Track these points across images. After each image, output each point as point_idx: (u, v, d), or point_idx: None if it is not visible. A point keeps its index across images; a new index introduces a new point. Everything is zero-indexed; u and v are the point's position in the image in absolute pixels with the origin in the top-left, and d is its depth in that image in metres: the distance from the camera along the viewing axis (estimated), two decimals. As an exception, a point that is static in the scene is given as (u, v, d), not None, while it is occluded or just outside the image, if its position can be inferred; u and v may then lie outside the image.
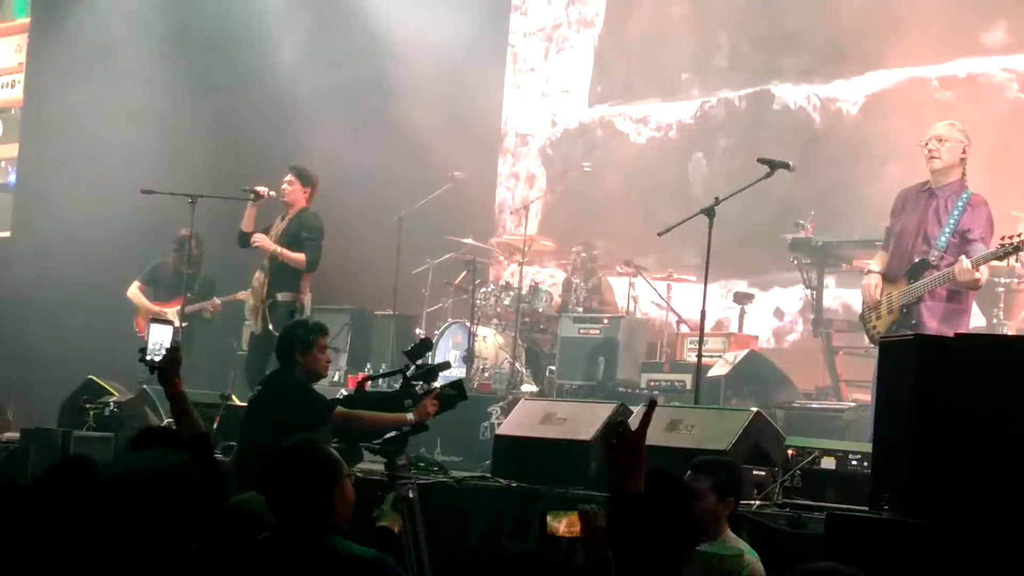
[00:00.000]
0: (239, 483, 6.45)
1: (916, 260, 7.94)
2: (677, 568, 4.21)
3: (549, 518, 4.57)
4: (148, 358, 5.32)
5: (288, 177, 10.39)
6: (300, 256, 10.16)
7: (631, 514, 3.62)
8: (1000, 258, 7.57)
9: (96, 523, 2.59)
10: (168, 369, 5.20)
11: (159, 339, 5.44)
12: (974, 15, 12.15)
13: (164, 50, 13.12)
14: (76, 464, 4.47)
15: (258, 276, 10.35)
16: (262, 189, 10.40)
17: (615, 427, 3.65)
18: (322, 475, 4.16)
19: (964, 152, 8.01)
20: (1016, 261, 7.55)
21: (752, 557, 5.38)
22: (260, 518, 4.55)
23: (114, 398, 10.02)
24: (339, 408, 7.27)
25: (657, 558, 3.85)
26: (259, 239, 10.22)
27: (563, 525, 4.49)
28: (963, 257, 7.60)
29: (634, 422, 3.71)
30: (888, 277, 8.13)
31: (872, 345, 8.25)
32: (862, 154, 12.35)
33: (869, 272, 8.26)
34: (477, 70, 14.23)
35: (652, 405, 3.77)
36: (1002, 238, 7.58)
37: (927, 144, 8.05)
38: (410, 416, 7.10)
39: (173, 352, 5.27)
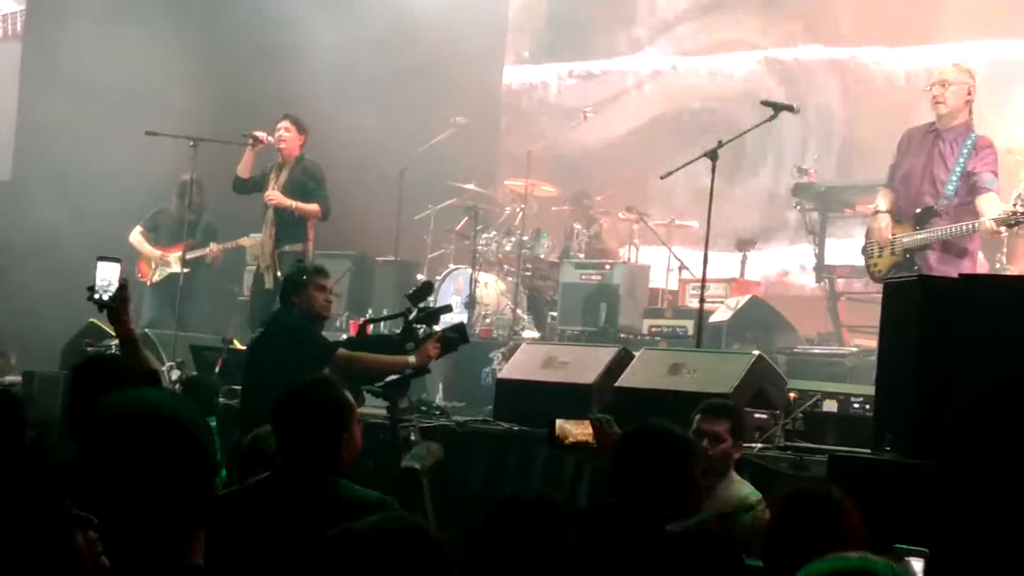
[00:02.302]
0: (244, 425, 6.47)
1: (924, 204, 7.87)
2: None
3: (560, 422, 4.58)
4: (96, 296, 5.14)
5: (285, 124, 10.26)
6: (315, 207, 10.15)
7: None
8: (1011, 226, 7.54)
9: (113, 458, 2.47)
10: (117, 308, 5.10)
11: (107, 277, 5.18)
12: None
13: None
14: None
15: (265, 230, 10.31)
16: (261, 134, 10.33)
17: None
18: (334, 416, 4.11)
19: (969, 94, 7.93)
20: (1019, 204, 7.50)
21: (756, 499, 5.39)
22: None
23: (116, 341, 9.98)
24: (341, 350, 7.27)
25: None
26: (273, 197, 10.15)
27: (576, 429, 4.53)
28: (986, 219, 7.52)
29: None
30: (895, 217, 8.07)
31: (874, 284, 8.24)
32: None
33: (877, 212, 8.16)
34: (479, 17, 14.15)
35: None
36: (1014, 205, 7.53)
37: (931, 88, 7.97)
38: (412, 359, 7.10)
39: (122, 290, 5.12)
